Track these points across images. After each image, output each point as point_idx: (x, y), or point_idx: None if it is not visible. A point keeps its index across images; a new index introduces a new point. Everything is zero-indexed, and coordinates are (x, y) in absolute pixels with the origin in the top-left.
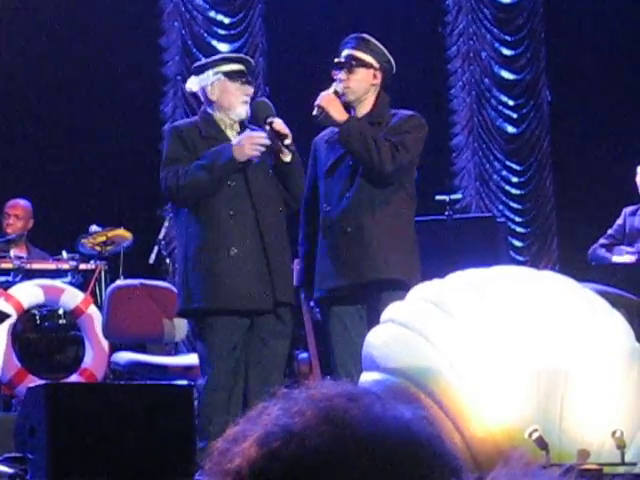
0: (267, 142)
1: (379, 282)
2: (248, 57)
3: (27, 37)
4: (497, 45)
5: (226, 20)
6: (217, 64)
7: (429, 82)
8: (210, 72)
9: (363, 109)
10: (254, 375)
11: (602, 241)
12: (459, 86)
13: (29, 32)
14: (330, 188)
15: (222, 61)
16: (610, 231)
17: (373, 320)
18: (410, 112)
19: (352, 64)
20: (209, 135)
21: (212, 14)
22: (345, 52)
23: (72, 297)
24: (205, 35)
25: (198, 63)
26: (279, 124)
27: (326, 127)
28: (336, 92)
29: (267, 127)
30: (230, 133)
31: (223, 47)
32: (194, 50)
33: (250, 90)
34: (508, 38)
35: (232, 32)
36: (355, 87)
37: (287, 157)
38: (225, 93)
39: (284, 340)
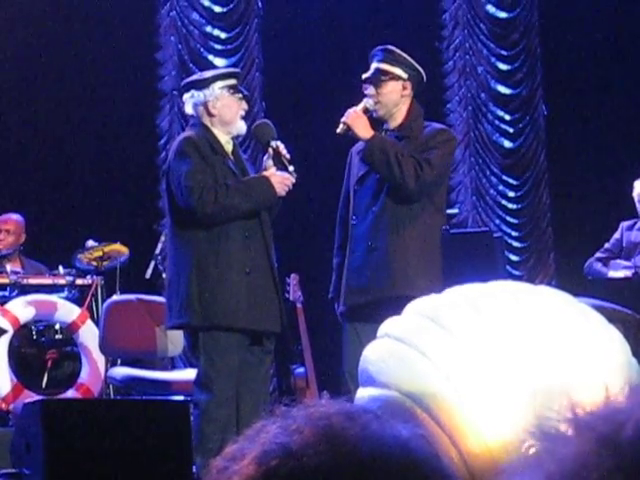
0: (291, 186)
1: (402, 299)
2: (239, 71)
3: (21, 52)
4: (493, 60)
5: (222, 35)
6: (219, 79)
7: (425, 96)
8: (214, 86)
9: (395, 122)
10: (248, 393)
11: (599, 255)
12: (455, 101)
13: (24, 47)
14: (359, 201)
15: (224, 76)
16: (607, 245)
17: None
18: (440, 126)
19: (380, 78)
20: (217, 149)
21: (209, 29)
22: (372, 66)
23: (68, 312)
24: (202, 50)
25: (198, 76)
26: (284, 149)
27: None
28: (366, 108)
29: (271, 151)
30: (227, 148)
31: (219, 62)
32: (190, 65)
33: (246, 106)
34: (504, 53)
35: (229, 47)
36: (385, 101)
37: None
38: (227, 108)
39: (271, 356)
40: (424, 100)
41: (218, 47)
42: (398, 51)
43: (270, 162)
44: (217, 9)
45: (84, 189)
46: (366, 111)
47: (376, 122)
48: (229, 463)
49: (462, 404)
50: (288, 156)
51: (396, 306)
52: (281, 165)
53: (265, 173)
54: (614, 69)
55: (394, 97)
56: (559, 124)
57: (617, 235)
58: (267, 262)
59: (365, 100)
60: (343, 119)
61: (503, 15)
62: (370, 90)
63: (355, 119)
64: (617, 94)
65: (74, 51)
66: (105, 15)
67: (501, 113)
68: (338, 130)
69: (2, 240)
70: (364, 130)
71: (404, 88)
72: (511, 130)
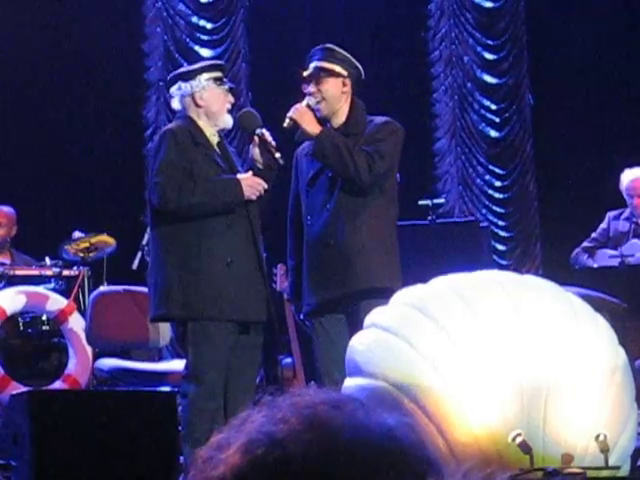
0: (262, 190)
1: (364, 291)
2: (225, 64)
3: (8, 42)
4: (479, 49)
5: (208, 25)
6: (205, 71)
7: (411, 86)
8: (201, 78)
9: (338, 119)
10: (235, 384)
11: (585, 244)
12: (441, 90)
13: (11, 37)
14: (311, 201)
15: (209, 68)
16: (594, 235)
17: (359, 328)
18: (384, 118)
19: (320, 75)
20: (200, 142)
21: (194, 19)
22: (312, 65)
23: (55, 303)
24: (187, 40)
25: (185, 68)
26: (269, 137)
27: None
28: (308, 106)
29: (256, 139)
30: (213, 140)
31: (205, 52)
32: (177, 55)
33: (232, 99)
34: (490, 42)
35: (214, 37)
36: (327, 97)
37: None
38: (214, 99)
39: (259, 349)
40: (410, 90)
41: (204, 38)
42: (337, 49)
43: (256, 150)
44: (203, 0)
45: (70, 180)
46: (309, 108)
47: (320, 122)
48: (215, 452)
49: (449, 394)
50: (274, 143)
51: (360, 298)
52: (267, 153)
53: (239, 176)
54: (601, 58)
55: (335, 93)
56: (545, 113)
57: (604, 225)
58: (253, 251)
59: (307, 99)
60: (289, 114)
61: (489, 4)
62: (311, 88)
63: (302, 114)
64: (603, 83)
65: (60, 42)
66: (91, 6)
67: (487, 102)
68: (285, 124)
69: None
70: (311, 125)
71: (344, 85)
72: (497, 119)
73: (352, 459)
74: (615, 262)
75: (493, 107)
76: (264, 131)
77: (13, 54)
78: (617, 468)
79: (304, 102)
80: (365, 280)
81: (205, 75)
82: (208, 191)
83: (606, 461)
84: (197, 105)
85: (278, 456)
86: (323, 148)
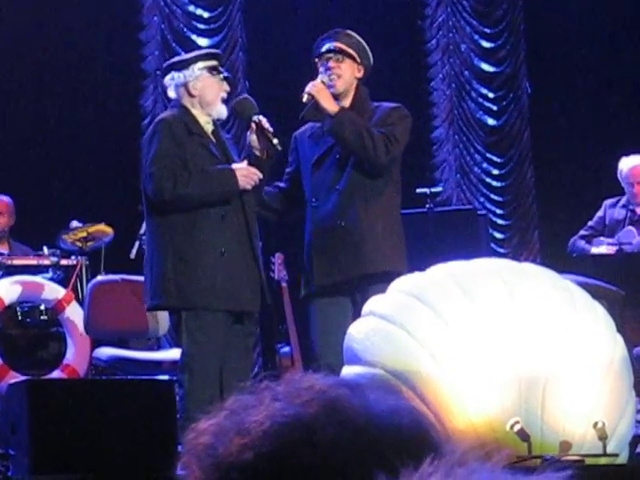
0: (258, 180)
1: (376, 275)
2: (220, 52)
3: (4, 32)
4: (477, 37)
5: (205, 14)
6: (199, 60)
7: (409, 75)
8: (194, 67)
9: (345, 103)
10: (230, 373)
11: (582, 232)
12: (439, 79)
13: (6, 27)
14: (318, 182)
15: (204, 56)
16: (590, 223)
17: None
18: (393, 104)
19: (341, 54)
20: (194, 131)
21: (191, 8)
22: (332, 44)
23: (53, 293)
24: (185, 30)
25: (179, 58)
26: (266, 123)
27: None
28: (323, 83)
29: (253, 125)
30: (207, 129)
31: (203, 42)
32: (174, 45)
33: (228, 88)
34: (487, 30)
35: (212, 26)
36: (344, 76)
37: (267, 156)
38: (208, 88)
39: (253, 338)
40: (407, 78)
41: (201, 27)
42: (357, 36)
43: (253, 137)
44: None
45: (68, 170)
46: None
47: None
48: (219, 438)
49: (447, 382)
50: (271, 130)
51: (372, 281)
52: (265, 139)
53: (234, 166)
54: (598, 46)
55: (351, 75)
56: (543, 101)
57: (600, 213)
58: (247, 241)
59: (321, 76)
60: (307, 89)
61: None
62: (331, 63)
63: (320, 90)
64: (601, 71)
65: (57, 32)
66: None
67: (485, 91)
68: (304, 99)
69: (1, 223)
70: (329, 102)
71: (358, 71)
72: (495, 108)
73: (369, 442)
74: (612, 250)
75: (490, 95)
76: (261, 117)
77: (9, 44)
78: (615, 455)
79: (318, 79)
80: (378, 263)
81: (199, 64)
82: (203, 182)
83: (604, 448)
84: (190, 95)
85: (310, 439)
86: (342, 126)
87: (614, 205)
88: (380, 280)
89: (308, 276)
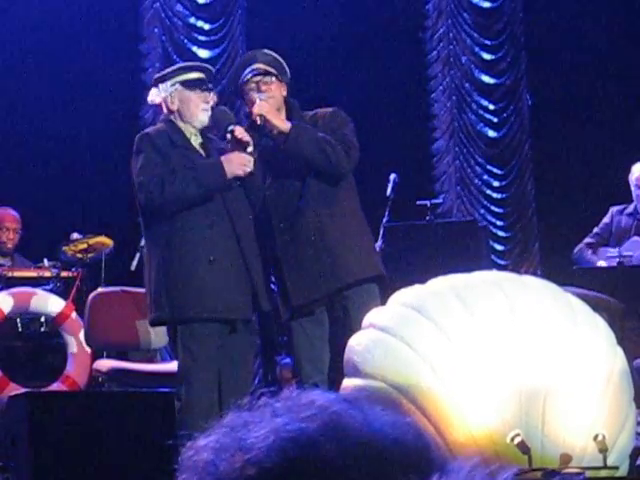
0: (251, 166)
1: (357, 282)
2: (207, 65)
3: (5, 44)
4: (477, 49)
5: (206, 26)
6: (175, 74)
7: (410, 87)
8: (168, 83)
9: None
10: (228, 384)
11: (588, 240)
12: (439, 90)
13: (8, 39)
14: (278, 205)
15: (180, 70)
16: (596, 229)
17: (355, 318)
18: (328, 108)
19: (268, 75)
20: (178, 143)
21: (192, 20)
22: (254, 65)
23: (54, 305)
24: (185, 41)
25: (157, 75)
26: (240, 132)
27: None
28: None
29: (228, 135)
30: (194, 141)
31: (203, 53)
32: (174, 57)
33: (210, 97)
34: (488, 42)
35: (212, 38)
36: (276, 95)
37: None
38: (184, 102)
39: (253, 349)
40: (408, 90)
41: (202, 38)
42: (273, 54)
43: (229, 147)
44: (201, 0)
45: (68, 181)
46: None
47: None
48: (219, 455)
49: (447, 394)
50: (246, 138)
51: (351, 289)
52: (241, 149)
53: (222, 157)
54: (598, 57)
55: (280, 94)
56: (543, 113)
57: (606, 219)
58: (237, 249)
59: (258, 96)
60: (257, 111)
61: (487, 5)
62: (262, 86)
63: (270, 110)
64: (601, 83)
65: (58, 42)
66: (89, 7)
67: (485, 103)
68: (258, 122)
69: (11, 239)
70: (280, 120)
71: (284, 89)
72: (495, 120)
73: (373, 458)
74: (614, 262)
75: (491, 107)
76: (235, 127)
77: (10, 55)
78: (616, 468)
79: (257, 100)
80: (356, 272)
81: (177, 78)
82: (191, 177)
83: (605, 461)
84: (169, 109)
85: (314, 454)
86: (299, 141)
87: (621, 212)
88: (363, 283)
89: (284, 299)
